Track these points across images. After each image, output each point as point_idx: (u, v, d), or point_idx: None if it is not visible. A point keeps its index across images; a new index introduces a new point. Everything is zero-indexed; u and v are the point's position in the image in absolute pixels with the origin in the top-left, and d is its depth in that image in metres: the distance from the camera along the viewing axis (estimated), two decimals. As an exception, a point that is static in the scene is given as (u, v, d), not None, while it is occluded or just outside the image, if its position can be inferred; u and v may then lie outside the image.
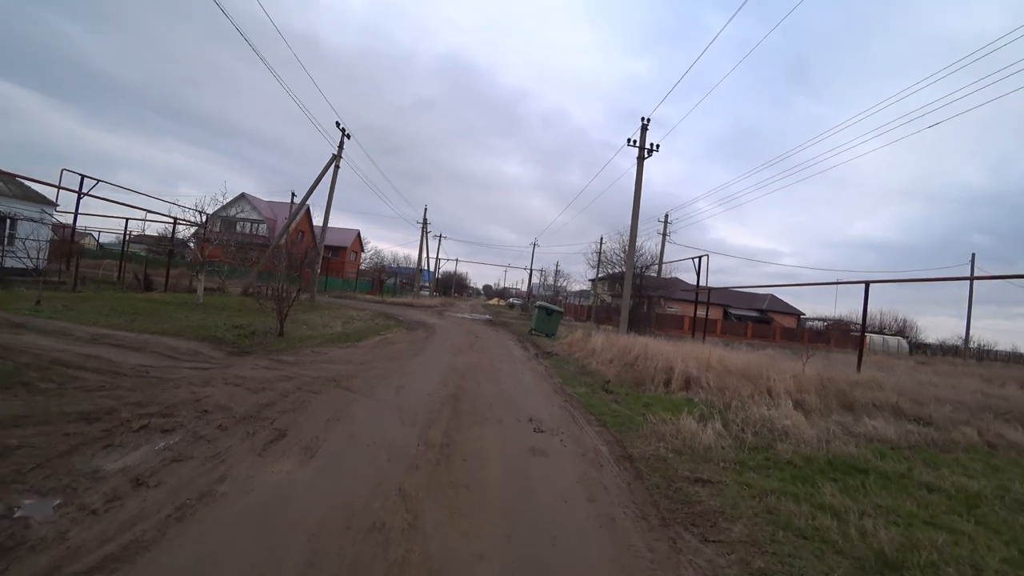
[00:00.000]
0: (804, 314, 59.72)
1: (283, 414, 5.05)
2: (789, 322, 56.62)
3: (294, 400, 5.67)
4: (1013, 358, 62.44)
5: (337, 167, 26.62)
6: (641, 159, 20.54)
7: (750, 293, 56.45)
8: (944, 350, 60.38)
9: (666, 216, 30.70)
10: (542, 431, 5.57)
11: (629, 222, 20.84)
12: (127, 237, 24.26)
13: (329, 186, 26.64)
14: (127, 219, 23.26)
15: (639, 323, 26.02)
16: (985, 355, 57.56)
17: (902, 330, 66.14)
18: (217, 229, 51.37)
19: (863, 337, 18.29)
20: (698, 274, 28.18)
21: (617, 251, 25.94)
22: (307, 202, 30.10)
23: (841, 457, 5.36)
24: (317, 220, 60.98)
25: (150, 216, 29.54)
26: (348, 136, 27.13)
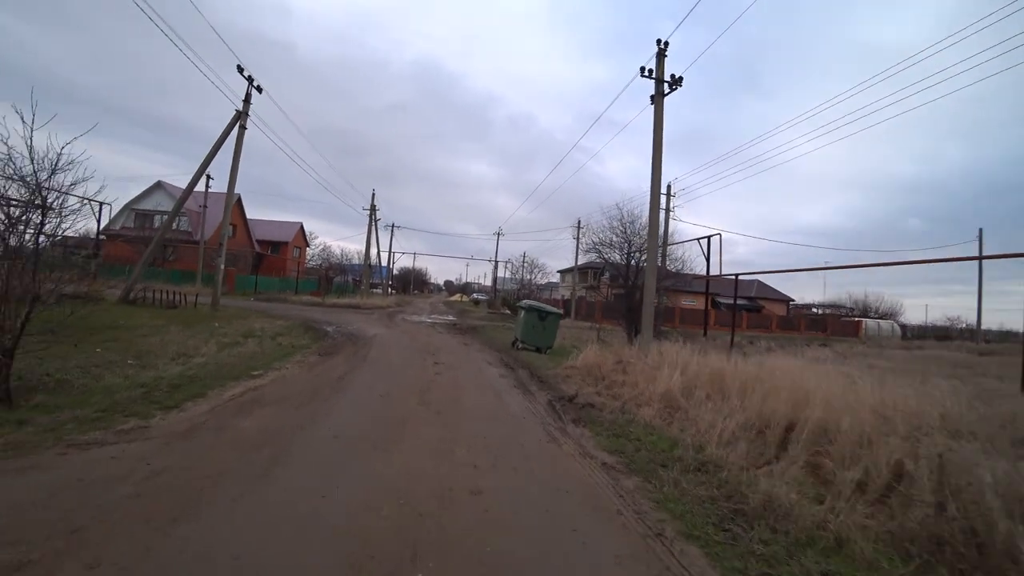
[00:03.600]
0: (794, 300, 55.67)
1: None
2: (780, 309, 52.37)
3: None
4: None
5: (243, 127, 19.88)
6: (660, 94, 14.69)
7: (737, 280, 51.93)
8: (935, 332, 57.22)
9: (669, 187, 24.97)
10: None
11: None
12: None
13: (233, 154, 19.93)
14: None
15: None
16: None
17: (889, 313, 63.14)
18: (125, 225, 43.49)
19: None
20: (708, 258, 22.74)
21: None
22: (207, 174, 23.24)
23: None
24: (251, 214, 53.31)
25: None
26: (259, 89, 20.42)
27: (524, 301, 13.25)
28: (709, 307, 41.81)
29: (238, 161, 19.94)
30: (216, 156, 19.51)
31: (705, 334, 25.64)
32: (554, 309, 13.07)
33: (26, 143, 5.87)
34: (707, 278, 22.95)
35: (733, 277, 22.62)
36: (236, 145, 19.83)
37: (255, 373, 7.37)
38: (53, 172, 6.60)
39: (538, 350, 12.87)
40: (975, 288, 36.16)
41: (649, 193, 14.61)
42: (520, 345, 13.07)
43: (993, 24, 13.01)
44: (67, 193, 6.83)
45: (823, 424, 5.46)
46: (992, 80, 16.46)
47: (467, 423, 5.65)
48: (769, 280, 53.22)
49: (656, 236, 14.37)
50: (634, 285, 20.34)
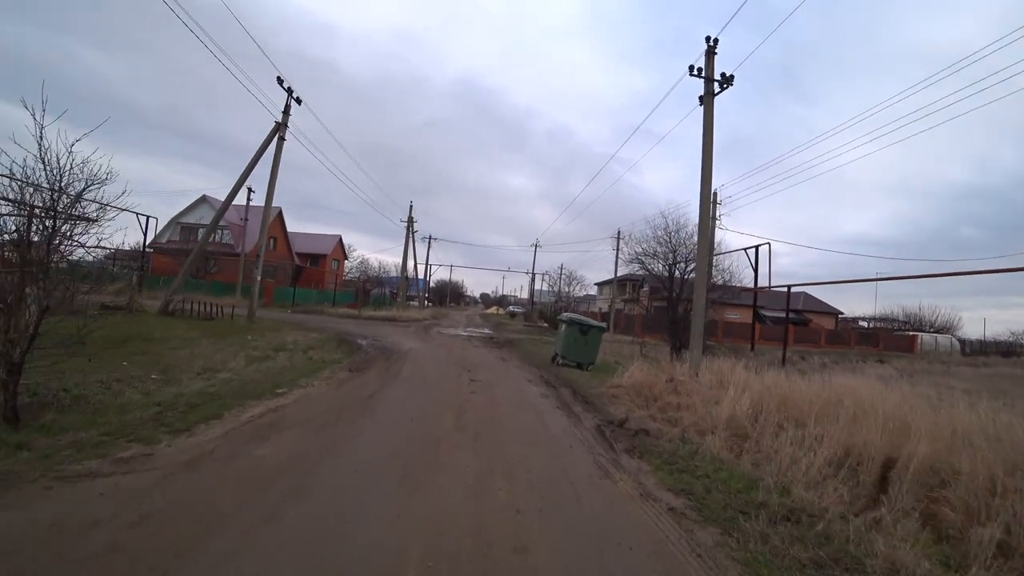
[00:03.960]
0: (843, 313, 53.06)
1: None
2: (827, 323, 49.90)
3: None
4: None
5: (282, 138, 19.91)
6: (710, 94, 13.89)
7: (780, 292, 49.91)
8: (998, 348, 53.62)
9: (715, 195, 23.88)
10: None
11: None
12: None
13: (271, 166, 19.98)
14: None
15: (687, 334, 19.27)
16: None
17: (946, 327, 59.51)
18: (172, 238, 44.80)
19: None
20: (756, 269, 21.53)
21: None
22: (246, 186, 23.42)
23: None
24: (292, 227, 54.32)
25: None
26: (298, 100, 20.48)
27: (565, 314, 12.54)
28: (754, 321, 40.13)
29: (276, 173, 19.96)
30: (256, 168, 19.61)
31: (752, 349, 24.38)
32: (596, 323, 12.31)
33: (43, 154, 5.52)
34: (755, 290, 21.77)
35: (784, 289, 21.42)
36: (275, 157, 19.88)
37: (280, 391, 6.89)
38: (85, 186, 6.21)
39: (579, 366, 12.12)
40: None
41: (699, 198, 13.75)
42: (560, 361, 12.35)
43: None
44: (108, 205, 6.47)
45: (930, 462, 4.58)
46: None
47: (507, 451, 4.98)
48: (815, 292, 50.88)
49: (706, 244, 13.49)
50: (678, 297, 19.36)
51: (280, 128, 19.74)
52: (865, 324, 56.14)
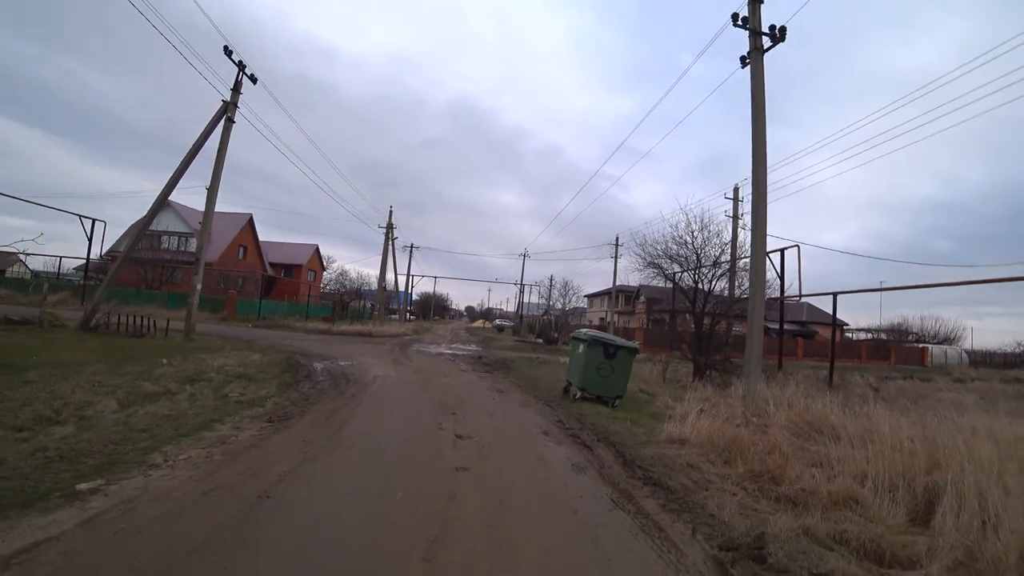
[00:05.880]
0: (848, 324, 50.63)
1: None
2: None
3: None
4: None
5: (230, 120, 16.66)
6: (757, 49, 10.98)
7: (784, 302, 47.38)
8: (1007, 361, 51.41)
9: (736, 190, 20.92)
10: None
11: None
12: None
13: (218, 150, 16.65)
14: None
15: (715, 351, 16.31)
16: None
17: (949, 338, 57.45)
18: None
19: None
20: (781, 276, 18.62)
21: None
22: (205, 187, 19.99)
23: None
24: (264, 235, 50.66)
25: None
26: (252, 78, 17.28)
27: (583, 331, 9.40)
28: (765, 334, 37.34)
29: (223, 159, 16.66)
30: (228, 176, 16.26)
31: (780, 367, 21.28)
32: (626, 341, 9.14)
33: None
34: (782, 299, 18.88)
35: (831, 295, 18.39)
36: (221, 141, 16.60)
37: (94, 484, 3.62)
38: None
39: (601, 400, 8.98)
40: (1013, 310, 31.21)
41: (751, 183, 10.75)
42: (578, 394, 9.17)
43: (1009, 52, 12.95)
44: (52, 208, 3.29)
45: None
46: (1016, 103, 14.64)
47: None
48: (817, 302, 48.35)
49: (763, 242, 10.45)
50: (703, 309, 16.36)
51: (228, 108, 16.49)
52: (871, 335, 53.74)
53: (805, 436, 6.79)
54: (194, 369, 9.45)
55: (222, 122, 16.47)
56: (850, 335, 51.74)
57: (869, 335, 55.65)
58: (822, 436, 6.80)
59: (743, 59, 11.32)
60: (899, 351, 42.96)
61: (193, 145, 16.28)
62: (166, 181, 15.94)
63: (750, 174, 10.81)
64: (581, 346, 9.20)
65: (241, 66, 16.68)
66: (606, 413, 8.02)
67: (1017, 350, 56.01)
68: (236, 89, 16.72)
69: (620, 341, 9.02)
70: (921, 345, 46.80)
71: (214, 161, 16.56)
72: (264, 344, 15.79)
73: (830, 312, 50.39)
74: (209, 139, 16.19)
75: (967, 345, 54.89)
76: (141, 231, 16.24)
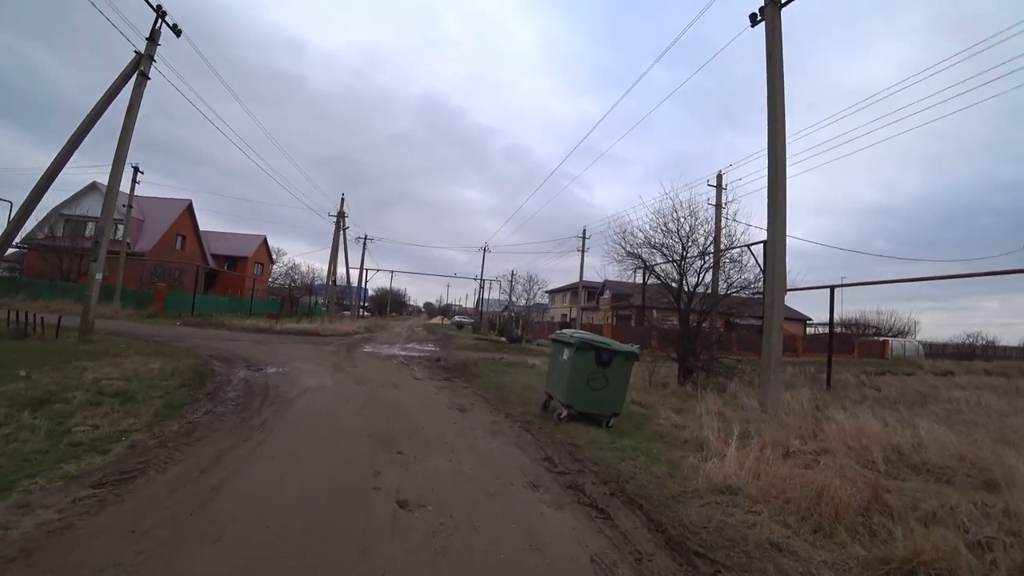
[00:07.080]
0: (811, 319, 50.73)
1: None
2: (796, 328, 47.20)
3: None
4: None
5: (144, 75, 13.97)
6: (775, 2, 9.25)
7: (750, 298, 46.95)
8: (960, 352, 52.47)
9: (719, 177, 19.32)
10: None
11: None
12: None
13: (126, 111, 13.91)
14: None
15: (702, 350, 14.66)
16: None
17: (904, 331, 58.67)
18: (57, 233, 36.75)
19: None
20: (764, 270, 17.17)
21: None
22: (135, 167, 17.05)
23: None
24: (208, 225, 46.84)
25: None
26: (174, 28, 14.59)
27: (567, 332, 7.48)
28: (742, 329, 36.45)
29: (133, 120, 13.94)
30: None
31: (791, 363, 19.75)
32: (622, 345, 7.25)
33: None
34: (784, 294, 17.40)
35: (827, 288, 17.00)
36: (132, 99, 13.88)
37: None
38: None
39: (592, 420, 7.08)
40: (947, 304, 31.54)
41: (766, 156, 9.02)
42: (563, 413, 7.23)
43: (947, 69, 13.51)
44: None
45: None
46: (950, 118, 14.23)
47: None
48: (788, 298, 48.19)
49: (783, 227, 8.77)
50: (688, 305, 14.70)
51: (141, 60, 13.81)
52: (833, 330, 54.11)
53: (871, 464, 5.08)
54: (56, 385, 7.05)
55: (134, 77, 13.79)
56: (811, 329, 51.88)
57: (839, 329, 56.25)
58: (900, 466, 5.10)
59: (753, 16, 9.59)
60: (861, 344, 43.01)
61: (96, 104, 13.56)
62: (90, 159, 13.18)
63: (725, 167, 9.25)
64: (566, 351, 7.25)
65: (160, 11, 14.00)
66: (605, 441, 6.09)
67: (967, 341, 57.66)
68: (153, 39, 14.06)
69: (616, 345, 7.10)
70: (881, 339, 47.15)
71: (123, 122, 13.82)
72: (181, 347, 13.26)
73: (796, 308, 49.96)
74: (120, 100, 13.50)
75: (919, 338, 56.21)
76: (22, 214, 13.31)
